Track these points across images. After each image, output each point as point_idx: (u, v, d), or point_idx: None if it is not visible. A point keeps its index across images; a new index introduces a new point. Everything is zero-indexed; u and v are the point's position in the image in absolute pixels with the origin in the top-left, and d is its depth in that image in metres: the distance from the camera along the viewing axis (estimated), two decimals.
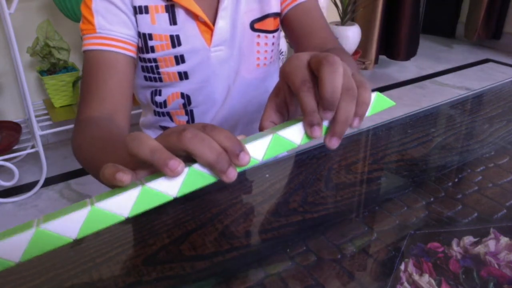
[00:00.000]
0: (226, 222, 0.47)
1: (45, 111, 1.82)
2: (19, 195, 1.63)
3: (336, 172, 0.56)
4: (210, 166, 0.33)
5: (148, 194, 0.34)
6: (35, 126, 1.59)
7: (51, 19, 1.73)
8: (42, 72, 1.75)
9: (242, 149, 0.34)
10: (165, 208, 0.49)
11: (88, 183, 1.70)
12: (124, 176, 0.32)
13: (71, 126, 1.71)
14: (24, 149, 1.70)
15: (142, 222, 0.47)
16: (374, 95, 0.42)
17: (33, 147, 1.68)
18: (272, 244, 0.44)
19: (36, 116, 1.66)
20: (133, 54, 0.65)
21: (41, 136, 1.63)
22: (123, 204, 0.33)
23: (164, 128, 0.77)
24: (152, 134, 0.81)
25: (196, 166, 0.35)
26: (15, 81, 1.83)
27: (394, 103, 0.43)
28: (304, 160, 0.59)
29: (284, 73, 0.40)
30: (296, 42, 0.73)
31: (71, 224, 0.33)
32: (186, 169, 0.34)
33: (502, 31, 3.16)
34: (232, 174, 0.34)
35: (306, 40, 0.71)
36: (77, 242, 0.46)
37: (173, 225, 0.46)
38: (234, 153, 0.33)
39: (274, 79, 0.77)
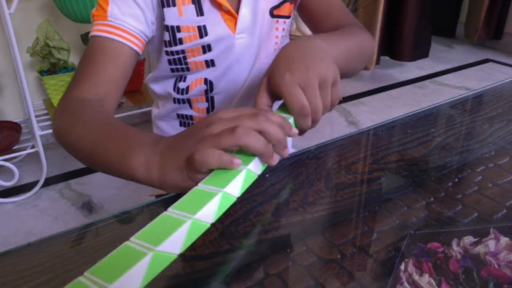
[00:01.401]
0: (226, 222, 0.47)
1: (45, 111, 1.82)
2: (19, 195, 1.63)
3: (336, 172, 0.56)
4: (260, 154, 0.43)
5: (224, 198, 0.40)
6: (35, 126, 1.59)
7: (51, 19, 1.73)
8: (42, 72, 1.75)
9: (286, 145, 0.45)
10: (165, 208, 0.49)
11: (88, 183, 1.70)
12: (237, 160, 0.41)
13: None
14: (24, 149, 1.70)
15: (142, 222, 0.47)
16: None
17: (33, 147, 1.68)
18: (272, 244, 0.44)
19: (36, 116, 1.66)
20: (138, 49, 0.65)
21: (41, 136, 1.63)
22: (207, 213, 0.38)
23: (181, 116, 0.78)
24: (166, 125, 0.82)
25: (251, 167, 0.42)
26: (15, 81, 1.83)
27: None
28: (304, 160, 0.59)
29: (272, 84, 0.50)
30: (313, 23, 0.77)
31: (177, 241, 0.35)
32: (244, 172, 0.42)
33: (503, 31, 3.16)
34: (277, 160, 0.44)
35: (322, 21, 0.75)
36: (77, 242, 0.46)
37: None
38: (281, 146, 0.44)
39: None
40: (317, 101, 0.48)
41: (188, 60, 0.71)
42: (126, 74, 0.65)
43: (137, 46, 0.65)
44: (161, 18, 0.67)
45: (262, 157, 0.43)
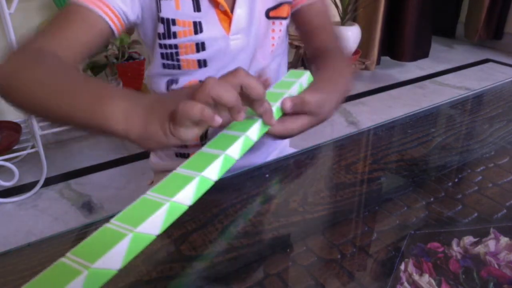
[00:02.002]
0: (226, 222, 0.47)
1: None
2: (19, 195, 1.63)
3: (336, 172, 0.56)
4: (231, 107, 0.43)
5: (201, 182, 0.41)
6: (35, 126, 1.59)
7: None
8: None
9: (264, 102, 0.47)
10: None
11: (88, 183, 1.70)
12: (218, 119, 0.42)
13: None
14: (24, 149, 1.70)
15: None
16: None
17: (33, 147, 1.68)
18: (272, 244, 0.44)
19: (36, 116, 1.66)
20: (115, 28, 0.63)
21: (41, 136, 1.63)
22: (185, 196, 0.40)
23: None
24: None
25: (228, 153, 0.45)
26: None
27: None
28: (304, 160, 0.59)
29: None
30: (303, 34, 0.79)
31: (156, 222, 0.37)
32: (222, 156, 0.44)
33: (503, 31, 3.16)
34: (243, 116, 0.45)
35: (314, 34, 0.77)
36: (77, 242, 0.46)
37: (173, 225, 0.46)
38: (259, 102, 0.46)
39: (281, 59, 0.80)
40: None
41: (180, 57, 0.70)
42: (93, 47, 0.63)
43: (115, 25, 0.63)
44: (157, 9, 0.67)
45: (231, 110, 0.44)
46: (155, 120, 0.45)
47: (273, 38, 0.75)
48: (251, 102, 0.47)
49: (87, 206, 1.55)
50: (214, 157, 0.43)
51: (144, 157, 1.82)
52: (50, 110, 0.50)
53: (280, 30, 0.75)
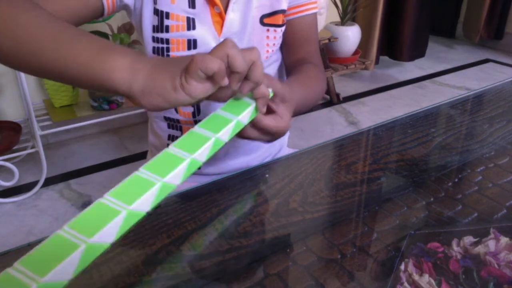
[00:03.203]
0: (226, 222, 0.47)
1: (45, 111, 1.82)
2: (19, 195, 1.63)
3: (336, 172, 0.56)
4: (215, 73, 0.44)
5: (191, 164, 0.43)
6: (35, 126, 1.59)
7: None
8: None
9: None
10: (165, 208, 0.49)
11: (88, 183, 1.70)
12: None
13: (71, 126, 1.71)
14: (24, 149, 1.69)
15: (142, 222, 0.47)
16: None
17: (33, 147, 1.68)
18: (272, 244, 0.44)
19: (36, 116, 1.66)
20: (106, 6, 0.63)
21: (41, 136, 1.63)
22: (175, 176, 0.41)
23: (168, 119, 0.77)
24: (156, 126, 0.80)
25: (219, 136, 0.46)
26: (15, 81, 1.83)
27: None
28: (304, 160, 0.59)
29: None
30: (286, 46, 0.78)
31: (147, 201, 0.39)
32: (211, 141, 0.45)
33: (504, 31, 3.16)
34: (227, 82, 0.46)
35: (294, 49, 0.77)
36: None
37: (173, 225, 0.46)
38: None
39: (276, 66, 0.80)
40: None
41: (171, 53, 0.69)
42: (81, 19, 0.61)
43: (107, 2, 0.62)
44: (153, 1, 0.66)
45: (215, 75, 0.44)
46: (165, 74, 0.45)
47: (267, 45, 0.74)
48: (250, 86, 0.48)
49: (87, 206, 1.55)
50: (206, 139, 0.45)
51: (144, 157, 1.82)
52: (44, 59, 0.47)
53: (275, 37, 0.75)
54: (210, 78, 0.45)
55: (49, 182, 1.70)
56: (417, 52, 2.80)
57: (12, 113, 1.86)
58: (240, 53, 0.45)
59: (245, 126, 0.51)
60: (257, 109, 0.50)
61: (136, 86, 0.45)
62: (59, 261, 0.32)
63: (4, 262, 0.42)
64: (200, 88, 0.45)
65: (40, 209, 1.57)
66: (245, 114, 0.49)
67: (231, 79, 0.46)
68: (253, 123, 0.52)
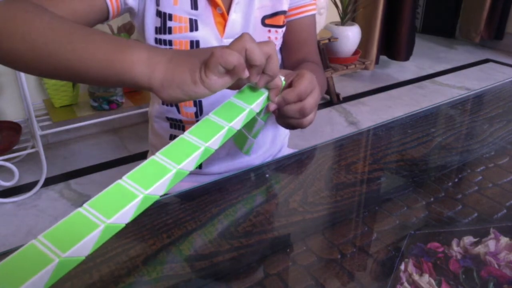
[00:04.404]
0: (226, 222, 0.47)
1: (45, 111, 1.82)
2: (19, 195, 1.63)
3: (336, 172, 0.56)
4: (235, 67, 0.45)
5: (205, 151, 0.45)
6: (35, 126, 1.59)
7: None
8: None
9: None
10: (165, 208, 0.49)
11: (88, 183, 1.70)
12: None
13: (71, 126, 1.71)
14: (24, 149, 1.70)
15: (142, 222, 0.47)
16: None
17: (33, 147, 1.68)
18: (272, 244, 0.44)
19: (36, 116, 1.66)
20: (111, 9, 0.63)
21: (41, 136, 1.63)
22: (189, 163, 0.43)
23: (170, 119, 0.77)
24: (158, 127, 0.80)
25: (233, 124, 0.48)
26: (15, 81, 1.83)
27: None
28: (304, 160, 0.59)
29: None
30: (286, 47, 0.79)
31: (161, 186, 0.40)
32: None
33: (504, 32, 3.16)
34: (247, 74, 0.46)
35: (294, 50, 0.78)
36: None
37: (173, 225, 0.46)
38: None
39: None
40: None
41: None
42: (87, 19, 0.62)
43: (112, 5, 0.63)
44: (156, 2, 0.66)
45: (236, 69, 0.45)
46: (184, 67, 0.46)
47: None
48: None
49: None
50: (220, 128, 0.46)
51: (144, 158, 1.82)
52: (61, 60, 0.47)
53: (276, 38, 0.75)
54: (230, 71, 0.46)
55: (49, 182, 1.70)
56: (410, 51, 2.82)
57: (12, 113, 1.86)
58: (258, 47, 0.46)
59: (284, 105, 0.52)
60: (269, 97, 0.51)
61: (156, 79, 0.46)
62: (80, 239, 0.35)
63: None
64: (219, 82, 0.46)
65: (40, 209, 1.57)
66: (258, 102, 0.50)
67: (251, 72, 0.46)
68: (283, 96, 0.52)
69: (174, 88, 0.46)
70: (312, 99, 0.52)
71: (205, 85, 0.45)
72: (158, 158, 0.42)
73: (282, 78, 0.53)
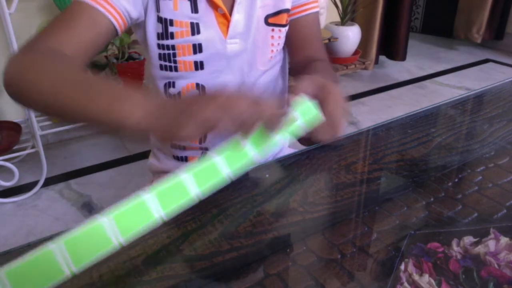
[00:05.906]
0: (226, 222, 0.47)
1: None
2: (19, 195, 1.63)
3: (336, 172, 0.56)
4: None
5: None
6: (35, 126, 1.59)
7: (51, 19, 1.72)
8: None
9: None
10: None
11: (88, 183, 1.70)
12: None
13: (71, 126, 1.71)
14: (24, 149, 1.69)
15: None
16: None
17: (33, 147, 1.68)
18: (272, 244, 0.44)
19: (36, 116, 1.66)
20: (118, 27, 0.64)
21: (41, 136, 1.63)
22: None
23: None
24: None
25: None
26: None
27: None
28: (304, 160, 0.59)
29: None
30: (292, 46, 0.79)
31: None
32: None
33: (504, 32, 3.16)
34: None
35: (302, 48, 0.79)
36: None
37: (173, 225, 0.46)
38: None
39: (279, 67, 0.80)
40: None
41: (178, 58, 0.70)
42: (99, 46, 0.63)
43: (118, 23, 0.63)
44: (156, 9, 0.67)
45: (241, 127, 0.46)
46: (187, 122, 0.46)
47: (272, 45, 0.75)
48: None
49: (87, 206, 1.55)
50: (245, 156, 0.49)
51: (144, 157, 1.82)
52: (64, 107, 0.52)
53: (279, 37, 0.75)
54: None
55: (49, 182, 1.70)
56: (406, 51, 2.82)
57: (12, 113, 1.86)
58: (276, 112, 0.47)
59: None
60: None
61: (156, 132, 0.48)
62: (93, 255, 0.36)
63: (4, 262, 0.42)
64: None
65: (40, 209, 1.57)
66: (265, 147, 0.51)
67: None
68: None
69: (175, 137, 0.47)
70: (344, 122, 0.57)
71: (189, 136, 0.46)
72: (184, 179, 0.44)
73: (311, 103, 0.55)
